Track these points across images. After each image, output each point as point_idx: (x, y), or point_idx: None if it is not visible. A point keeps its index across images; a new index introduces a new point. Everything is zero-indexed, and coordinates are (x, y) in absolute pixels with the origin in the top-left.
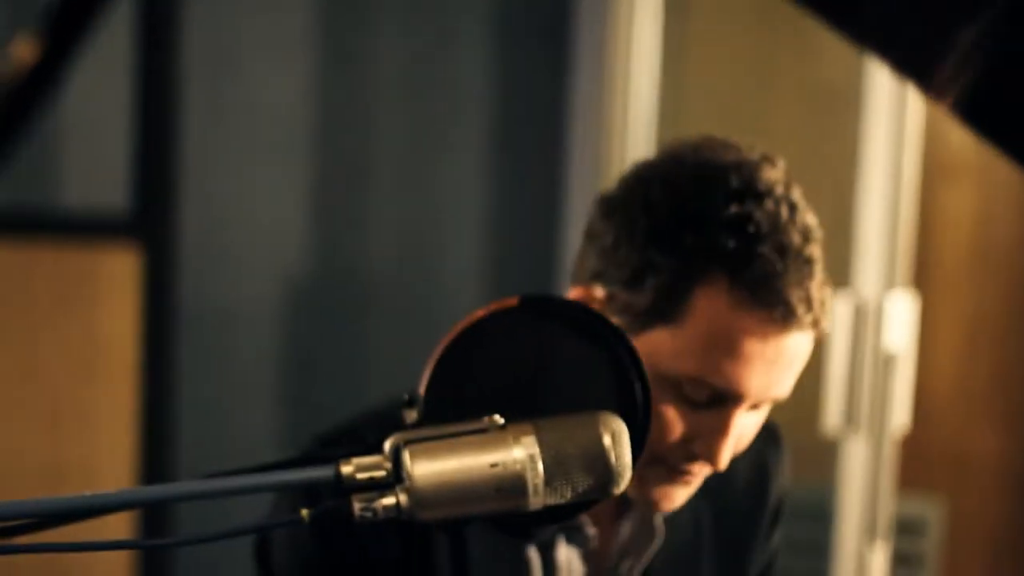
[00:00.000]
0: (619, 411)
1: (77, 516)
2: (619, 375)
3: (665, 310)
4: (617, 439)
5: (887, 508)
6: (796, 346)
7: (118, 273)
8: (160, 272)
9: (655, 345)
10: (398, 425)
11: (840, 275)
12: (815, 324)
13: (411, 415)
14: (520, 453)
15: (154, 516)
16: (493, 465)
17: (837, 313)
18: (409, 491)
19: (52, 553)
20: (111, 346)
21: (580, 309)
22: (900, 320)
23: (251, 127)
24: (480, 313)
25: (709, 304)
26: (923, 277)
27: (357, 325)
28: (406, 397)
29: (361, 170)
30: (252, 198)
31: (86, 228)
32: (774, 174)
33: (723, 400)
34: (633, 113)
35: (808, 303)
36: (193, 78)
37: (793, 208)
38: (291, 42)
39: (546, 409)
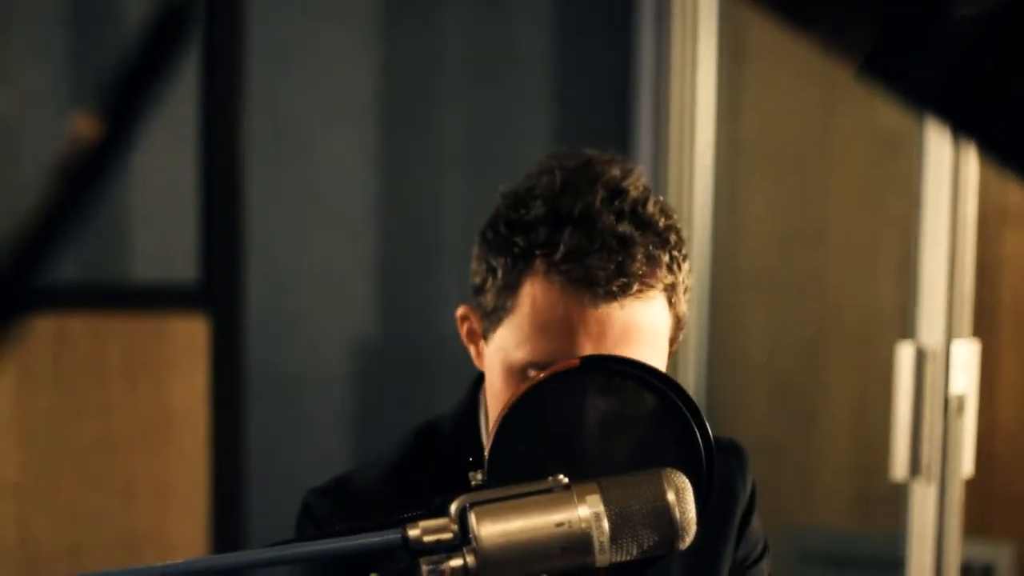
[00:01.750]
0: (682, 466)
1: None
2: (681, 430)
3: (503, 306)
4: (681, 495)
5: (955, 553)
6: (624, 319)
7: (187, 343)
8: (228, 340)
9: (501, 340)
10: (385, 473)
11: (904, 323)
12: (636, 294)
13: (476, 477)
14: (585, 512)
15: None
16: (559, 524)
17: (901, 361)
18: (476, 552)
19: None
20: (182, 415)
21: (639, 367)
22: (964, 366)
23: (315, 195)
24: (542, 375)
25: (532, 291)
26: (985, 322)
27: (423, 389)
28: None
29: (425, 235)
30: (317, 265)
31: (156, 299)
32: (608, 170)
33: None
34: (691, 162)
35: (619, 275)
36: (257, 149)
37: (615, 195)
38: (354, 110)
39: (610, 466)
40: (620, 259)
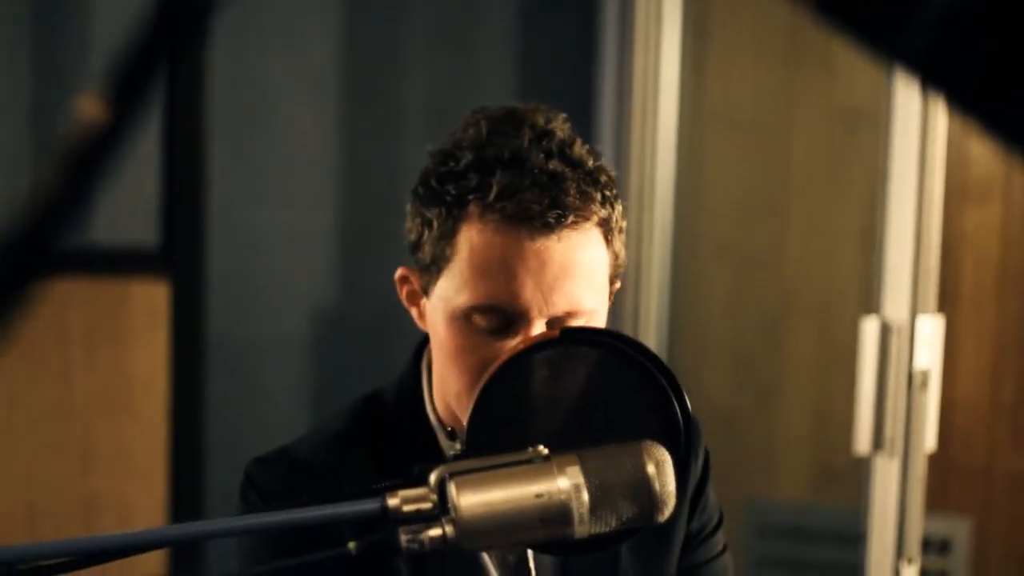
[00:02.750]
0: (661, 438)
1: (113, 555)
2: (659, 403)
3: (442, 255)
4: (661, 468)
5: (917, 528)
6: (562, 252)
7: (148, 308)
8: (189, 306)
9: (444, 289)
10: (327, 442)
11: (865, 297)
12: (571, 226)
13: (454, 447)
14: (565, 483)
15: (184, 548)
16: (538, 495)
17: (866, 335)
18: (455, 522)
19: None
20: (142, 380)
21: (620, 339)
22: (928, 341)
23: (277, 161)
24: (522, 346)
25: (468, 235)
26: (948, 298)
27: (384, 356)
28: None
29: (386, 202)
30: (279, 231)
31: (117, 264)
32: (532, 116)
33: (512, 321)
34: (654, 134)
35: (553, 207)
36: (220, 114)
37: (541, 136)
38: (317, 77)
39: (589, 438)
40: (553, 194)
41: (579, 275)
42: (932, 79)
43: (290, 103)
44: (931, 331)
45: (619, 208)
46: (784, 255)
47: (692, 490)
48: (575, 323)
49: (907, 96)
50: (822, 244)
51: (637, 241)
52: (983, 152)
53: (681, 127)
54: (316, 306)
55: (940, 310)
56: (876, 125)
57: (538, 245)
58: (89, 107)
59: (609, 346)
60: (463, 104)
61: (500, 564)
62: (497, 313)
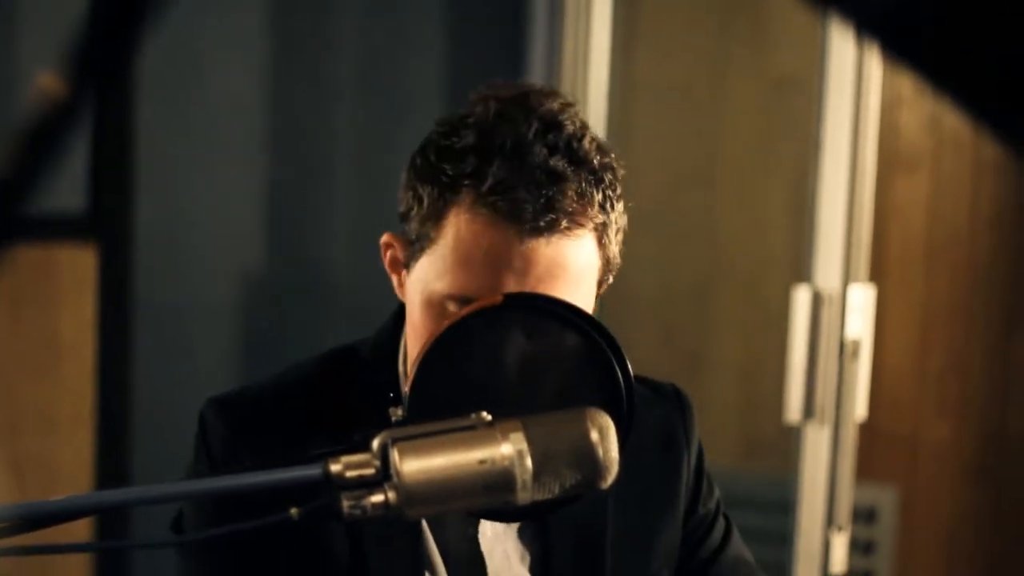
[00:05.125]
0: (604, 405)
1: (46, 521)
2: (603, 370)
3: (427, 235)
4: (604, 434)
5: (847, 497)
6: (550, 255)
7: (75, 273)
8: (116, 271)
9: (423, 271)
10: (293, 386)
11: (794, 266)
12: (564, 231)
13: (397, 413)
14: (508, 449)
15: (111, 517)
16: (481, 462)
17: (797, 304)
18: (398, 488)
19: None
20: (69, 345)
21: (563, 306)
22: (859, 310)
23: (207, 126)
24: (465, 311)
25: (456, 222)
26: (877, 268)
27: (313, 320)
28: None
29: (317, 168)
30: (208, 196)
31: (44, 229)
32: (544, 102)
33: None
34: (584, 101)
35: (547, 211)
36: (148, 78)
37: (549, 128)
38: (246, 41)
39: (533, 405)
40: (549, 194)
41: (564, 279)
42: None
43: (220, 68)
44: (862, 300)
45: (619, 208)
46: (714, 223)
47: (689, 482)
48: None
49: (840, 65)
50: (753, 213)
51: None
52: (913, 123)
53: (612, 95)
54: (244, 271)
55: (869, 280)
56: (808, 94)
57: (525, 247)
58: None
59: (552, 313)
60: (393, 71)
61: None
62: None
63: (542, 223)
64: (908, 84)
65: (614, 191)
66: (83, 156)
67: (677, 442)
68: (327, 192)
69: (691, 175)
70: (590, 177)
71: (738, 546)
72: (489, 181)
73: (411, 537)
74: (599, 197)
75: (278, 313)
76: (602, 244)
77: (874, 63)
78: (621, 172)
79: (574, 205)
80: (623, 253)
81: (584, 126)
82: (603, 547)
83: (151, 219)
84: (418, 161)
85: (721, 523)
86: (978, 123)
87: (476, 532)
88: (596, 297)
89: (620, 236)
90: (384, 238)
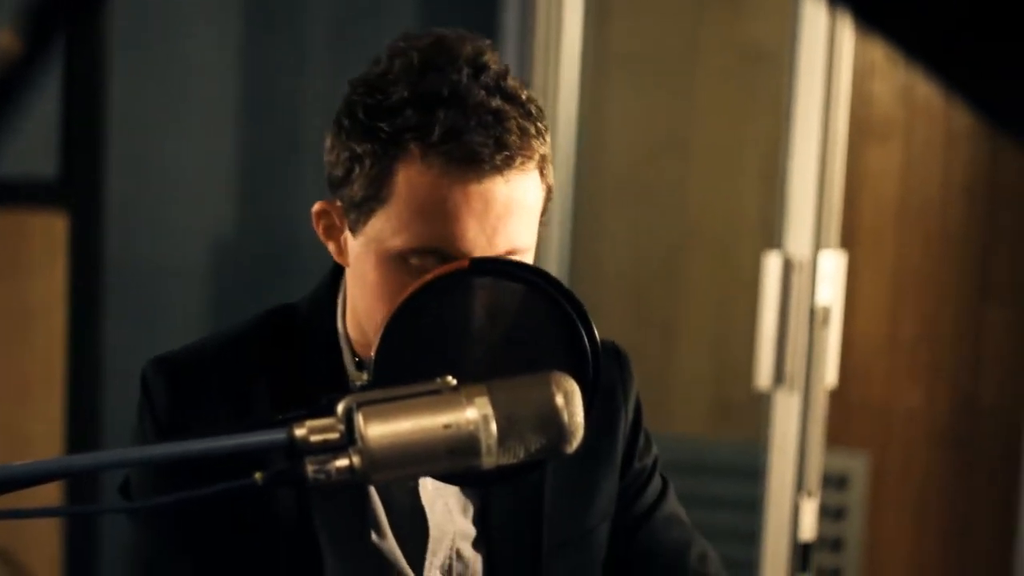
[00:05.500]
0: (570, 369)
1: (9, 486)
2: (568, 333)
3: (376, 195)
4: (569, 398)
5: (817, 463)
6: (506, 193)
7: (46, 239)
8: (87, 237)
9: (377, 230)
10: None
11: (765, 233)
12: (518, 167)
13: (361, 376)
14: (473, 414)
15: (81, 482)
16: (446, 426)
17: (768, 271)
18: (362, 453)
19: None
20: (40, 311)
21: (529, 270)
22: (830, 277)
23: (179, 92)
24: (430, 276)
25: (408, 176)
26: (848, 235)
27: (284, 286)
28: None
29: (289, 134)
30: (179, 162)
31: (15, 195)
32: (463, 47)
33: (450, 261)
34: (557, 69)
35: (501, 149)
36: (119, 43)
37: (478, 71)
38: (218, 8)
39: (498, 369)
40: (497, 134)
41: (521, 214)
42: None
43: (191, 35)
44: (833, 267)
45: (549, 139)
46: (686, 191)
47: (626, 432)
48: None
49: (812, 35)
50: (725, 180)
51: None
52: (885, 91)
53: (584, 62)
54: (216, 236)
55: (841, 247)
56: (781, 62)
57: (484, 187)
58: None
59: (518, 277)
60: (366, 35)
61: (399, 496)
62: (436, 255)
63: (498, 161)
64: (880, 54)
65: (543, 122)
66: (54, 123)
67: (615, 397)
68: (298, 158)
69: (663, 144)
70: (524, 111)
71: (673, 504)
72: (437, 130)
73: (356, 491)
74: (533, 129)
75: (249, 279)
76: (543, 175)
77: (846, 33)
78: (541, 103)
79: (519, 140)
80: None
81: (502, 63)
82: (541, 501)
83: (122, 185)
84: (346, 123)
85: (657, 481)
86: (950, 92)
87: (416, 485)
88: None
89: (551, 167)
90: (316, 207)
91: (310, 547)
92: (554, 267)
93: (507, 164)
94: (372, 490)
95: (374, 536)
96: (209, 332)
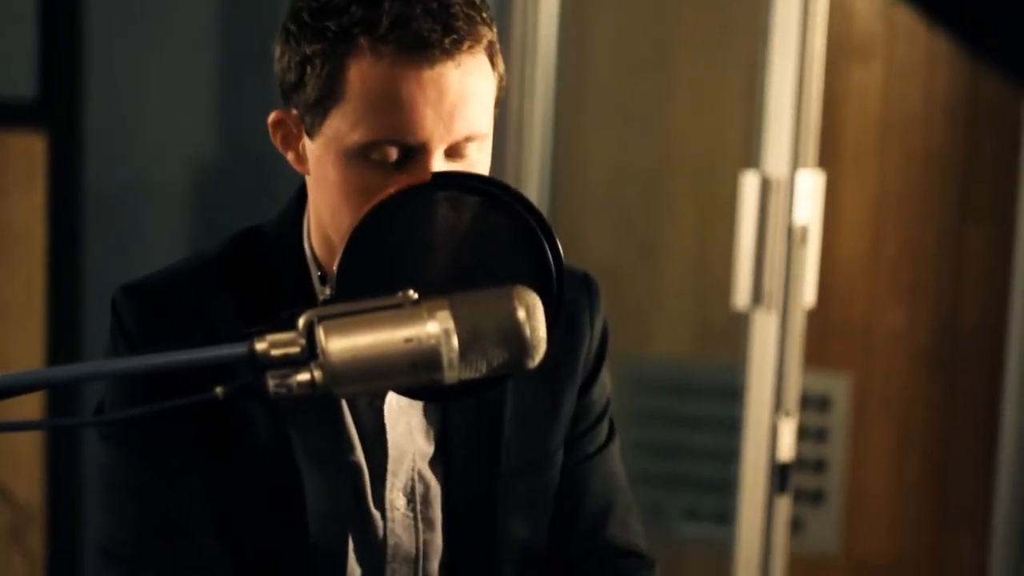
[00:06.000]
0: (534, 284)
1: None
2: (532, 249)
3: (329, 95)
4: (531, 312)
5: (795, 382)
6: (459, 79)
7: (25, 160)
8: (66, 158)
9: (334, 129)
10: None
11: (748, 153)
12: (467, 51)
13: (324, 291)
14: (435, 328)
15: (62, 400)
16: (407, 340)
17: (746, 190)
18: (323, 367)
19: None
20: (19, 233)
21: (492, 184)
22: (808, 196)
23: (157, 11)
24: (392, 190)
25: (359, 70)
26: (830, 154)
27: (264, 208)
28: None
29: (268, 54)
30: (159, 82)
31: None
32: None
33: (411, 152)
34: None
35: (448, 33)
36: None
37: None
38: None
39: (461, 284)
40: (444, 19)
41: (476, 100)
42: None
43: None
44: (811, 186)
45: (495, 29)
46: (667, 111)
47: (589, 360)
48: (472, 148)
49: None
50: (705, 100)
51: (520, 97)
52: (867, 9)
53: None
54: (195, 155)
55: (822, 167)
56: None
57: (436, 73)
58: None
59: (481, 191)
60: None
61: (365, 413)
62: (395, 146)
63: (447, 45)
64: None
65: (487, 11)
66: (33, 44)
67: (581, 323)
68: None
69: (644, 63)
70: (459, 4)
71: (612, 461)
72: (384, 21)
73: (330, 410)
74: (479, 17)
75: (229, 200)
76: (494, 63)
77: None
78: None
79: (466, 26)
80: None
81: None
82: (501, 423)
83: (102, 106)
84: (292, 28)
85: (603, 432)
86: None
87: (382, 404)
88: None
89: (500, 58)
90: (272, 117)
91: (287, 465)
92: (535, 189)
93: (456, 47)
94: (345, 409)
95: (348, 454)
96: (189, 254)
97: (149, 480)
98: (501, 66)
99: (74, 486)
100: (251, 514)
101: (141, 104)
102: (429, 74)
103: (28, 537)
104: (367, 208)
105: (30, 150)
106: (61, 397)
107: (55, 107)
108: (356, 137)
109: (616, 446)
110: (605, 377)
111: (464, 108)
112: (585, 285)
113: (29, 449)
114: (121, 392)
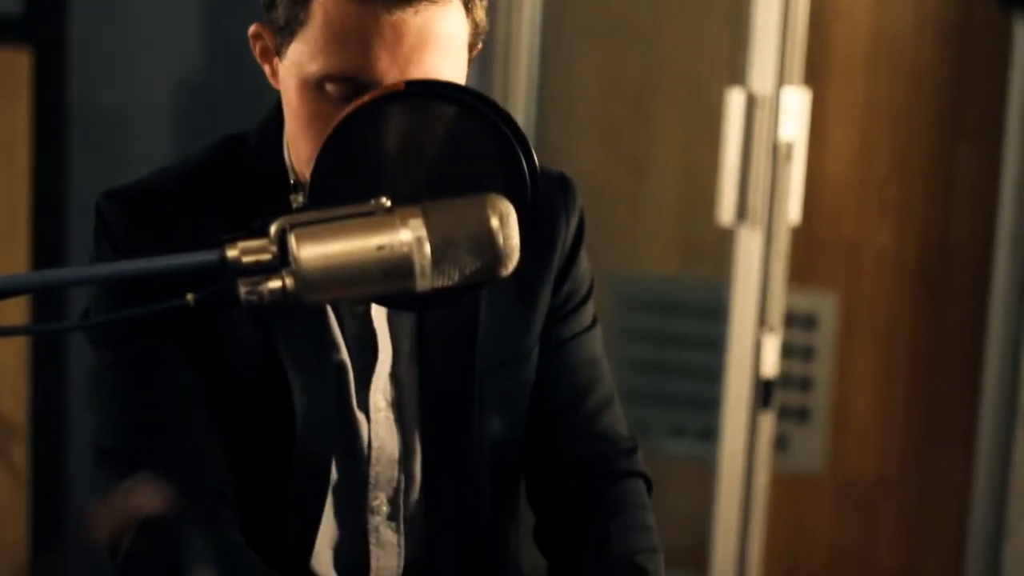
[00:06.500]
0: (507, 192)
1: None
2: (506, 156)
3: (295, 19)
4: (505, 221)
5: (779, 299)
6: (419, 25)
7: (10, 76)
8: (52, 74)
9: (297, 54)
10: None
11: (735, 69)
12: (430, 1)
13: (297, 199)
14: (407, 235)
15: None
16: (380, 247)
17: (731, 106)
18: (295, 274)
19: None
20: (4, 148)
21: (466, 92)
22: (793, 113)
23: None
24: (366, 98)
25: (323, 2)
26: (817, 71)
27: (248, 125)
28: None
29: None
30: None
31: None
32: None
33: (365, 90)
34: None
35: None
36: None
37: None
38: None
39: (434, 192)
40: None
41: (437, 47)
42: None
43: None
44: (796, 103)
45: None
46: (654, 27)
47: (563, 255)
48: None
49: None
50: (692, 16)
51: (507, 13)
52: None
53: None
54: (181, 71)
55: (810, 85)
56: None
57: (394, 18)
58: None
59: (454, 99)
60: None
61: (348, 317)
62: (350, 83)
63: None
64: None
65: None
66: None
67: (556, 218)
68: None
69: None
70: None
71: (593, 346)
72: None
73: (316, 318)
74: None
75: (215, 117)
76: (469, 8)
77: None
78: None
79: None
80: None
81: None
82: (476, 322)
83: (87, 21)
84: None
85: (586, 317)
86: None
87: (368, 308)
88: (468, 62)
89: (485, 3)
90: (252, 29)
91: (274, 370)
92: (522, 105)
93: (435, 2)
94: (329, 312)
95: (333, 354)
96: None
97: (133, 380)
98: (479, 13)
99: (59, 401)
100: (240, 419)
101: (127, 19)
102: (387, 18)
103: (13, 451)
104: (342, 115)
105: (15, 65)
106: (45, 308)
107: (40, 22)
108: (314, 68)
109: (599, 333)
110: (584, 262)
111: (423, 54)
112: (561, 185)
113: (14, 363)
114: (105, 297)
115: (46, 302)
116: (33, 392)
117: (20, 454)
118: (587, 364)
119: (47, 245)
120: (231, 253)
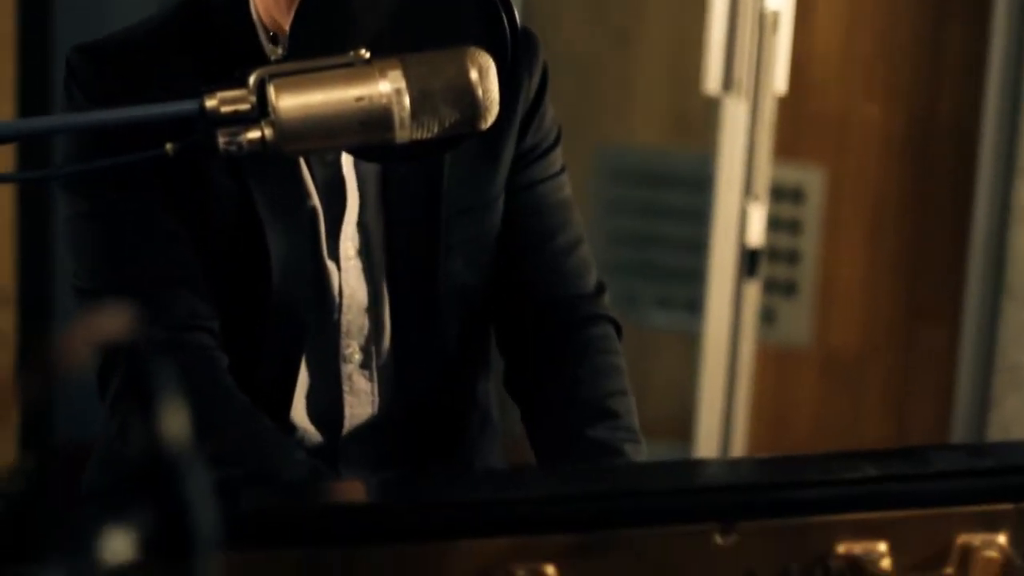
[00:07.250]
0: (488, 47)
1: None
2: (486, 10)
3: None
4: (484, 73)
5: (765, 169)
6: None
7: None
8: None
9: None
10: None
11: None
12: None
13: (276, 51)
14: (386, 87)
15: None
16: (359, 99)
17: None
18: (274, 124)
19: None
20: None
21: None
22: None
23: None
24: None
25: None
26: None
27: None
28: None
29: None
30: None
31: None
32: None
33: None
34: None
35: None
36: None
37: None
38: None
39: (414, 45)
40: None
41: None
42: None
43: None
44: None
45: None
46: None
47: (526, 106)
48: None
49: None
50: None
51: None
52: None
53: None
54: None
55: None
56: None
57: None
58: None
59: None
60: None
61: (318, 165)
62: None
63: None
64: None
65: None
66: None
67: (518, 73)
68: None
69: None
70: None
71: (561, 190)
72: None
73: (288, 165)
74: None
75: None
76: None
77: None
78: None
79: None
80: None
81: None
82: (440, 171)
83: None
84: None
85: (554, 164)
86: None
87: (338, 156)
88: None
89: None
90: None
91: (250, 218)
92: None
93: None
94: (301, 161)
95: (306, 200)
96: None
97: (107, 225)
98: None
99: (46, 268)
100: (217, 267)
101: None
102: None
103: (1, 315)
104: None
105: None
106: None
107: None
108: None
109: (567, 180)
110: (550, 111)
111: None
112: (525, 37)
113: (0, 228)
114: (81, 145)
115: (31, 155)
116: (20, 260)
117: (7, 319)
118: (555, 207)
119: (34, 105)
120: (210, 103)
